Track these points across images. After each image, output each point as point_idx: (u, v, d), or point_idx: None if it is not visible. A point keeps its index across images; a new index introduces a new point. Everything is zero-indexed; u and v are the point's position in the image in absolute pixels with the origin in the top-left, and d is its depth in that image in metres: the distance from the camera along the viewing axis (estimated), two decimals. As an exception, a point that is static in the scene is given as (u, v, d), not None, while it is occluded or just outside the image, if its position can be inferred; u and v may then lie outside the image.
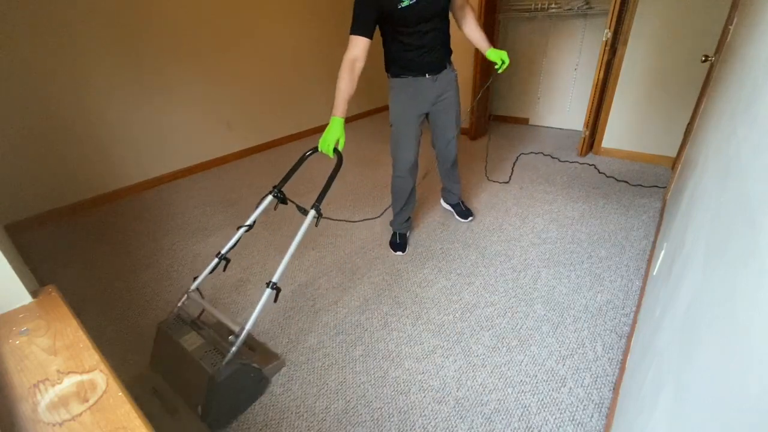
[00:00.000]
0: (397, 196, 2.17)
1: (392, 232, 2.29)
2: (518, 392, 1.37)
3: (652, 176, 2.96)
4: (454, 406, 1.33)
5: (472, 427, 1.26)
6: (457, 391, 1.38)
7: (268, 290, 1.35)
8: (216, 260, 1.48)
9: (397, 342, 1.61)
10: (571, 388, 1.38)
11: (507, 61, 1.94)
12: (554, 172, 3.13)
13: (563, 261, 2.05)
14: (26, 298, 0.78)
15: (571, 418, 1.28)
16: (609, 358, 1.48)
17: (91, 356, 0.66)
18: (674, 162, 2.94)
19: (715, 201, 0.81)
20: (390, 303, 1.82)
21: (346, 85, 1.68)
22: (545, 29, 3.89)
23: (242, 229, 1.51)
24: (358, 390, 1.41)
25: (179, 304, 1.46)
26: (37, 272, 2.14)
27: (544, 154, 3.50)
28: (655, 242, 2.09)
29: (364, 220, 2.58)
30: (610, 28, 2.85)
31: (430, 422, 1.29)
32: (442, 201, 2.63)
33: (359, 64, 1.66)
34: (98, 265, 2.21)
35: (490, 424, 1.27)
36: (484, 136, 4.22)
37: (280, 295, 1.90)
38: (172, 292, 1.96)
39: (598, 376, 1.41)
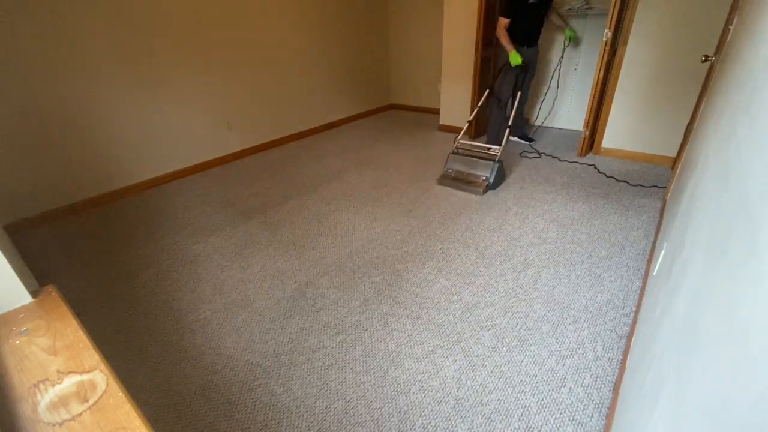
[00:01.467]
0: (496, 124, 3.59)
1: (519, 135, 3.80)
2: (518, 392, 1.37)
3: (652, 176, 2.96)
4: (454, 406, 1.33)
5: (472, 427, 1.26)
6: (457, 391, 1.38)
7: (507, 129, 2.94)
8: (466, 124, 3.20)
9: (397, 342, 1.61)
10: (571, 388, 1.38)
11: (574, 38, 3.51)
12: (554, 172, 3.13)
13: (563, 261, 2.05)
14: (26, 298, 0.78)
15: (571, 418, 1.28)
16: (609, 358, 1.48)
17: (91, 356, 0.66)
18: (674, 162, 2.94)
19: (715, 201, 0.81)
20: (390, 303, 1.82)
21: (505, 39, 3.11)
22: (545, 29, 3.88)
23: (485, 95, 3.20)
24: (358, 390, 1.41)
25: (454, 146, 3.11)
26: (37, 272, 2.14)
27: (546, 154, 3.50)
28: (655, 242, 2.09)
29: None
30: (610, 28, 2.85)
31: (430, 422, 1.29)
32: (516, 138, 3.86)
33: (506, 31, 3.11)
34: (98, 265, 2.21)
35: (490, 424, 1.27)
36: (484, 135, 4.22)
37: (281, 294, 1.91)
38: (172, 292, 1.96)
39: (598, 376, 1.41)
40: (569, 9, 3.59)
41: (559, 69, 3.85)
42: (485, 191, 2.78)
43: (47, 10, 2.42)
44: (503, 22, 3.03)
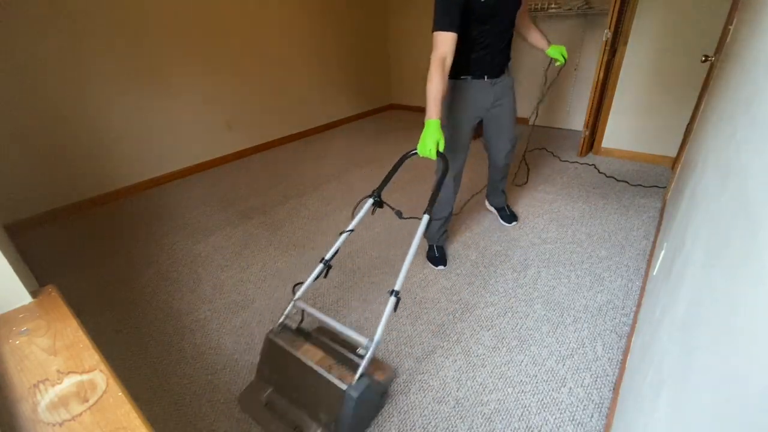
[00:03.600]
0: (438, 204, 2.02)
1: (429, 246, 2.13)
2: (518, 392, 1.37)
3: (652, 176, 2.96)
4: (454, 406, 1.33)
5: (472, 427, 1.26)
6: (457, 391, 1.38)
7: (392, 298, 1.25)
8: (320, 266, 1.46)
9: (397, 342, 1.61)
10: (571, 388, 1.38)
11: (566, 56, 1.95)
12: (554, 172, 3.13)
13: (563, 261, 2.05)
14: (26, 298, 0.78)
15: (571, 418, 1.28)
16: (609, 358, 1.48)
17: (91, 356, 0.66)
18: (674, 162, 2.94)
19: (715, 201, 0.81)
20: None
21: (438, 85, 1.57)
22: (545, 29, 3.88)
23: (344, 235, 1.49)
24: (358, 390, 1.41)
25: (285, 313, 1.40)
26: (37, 272, 2.14)
27: (547, 150, 3.50)
28: (655, 242, 2.09)
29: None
30: (610, 28, 2.84)
31: (430, 422, 1.29)
32: (486, 202, 2.58)
33: (448, 61, 1.55)
34: (98, 265, 2.21)
35: (490, 424, 1.27)
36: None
37: (281, 294, 1.91)
38: (172, 292, 1.96)
39: (598, 376, 1.41)
40: (569, 9, 3.59)
41: (546, 86, 3.22)
42: None
43: (47, 9, 2.42)
44: (442, 40, 1.52)
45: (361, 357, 1.17)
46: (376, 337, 1.20)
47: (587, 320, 1.66)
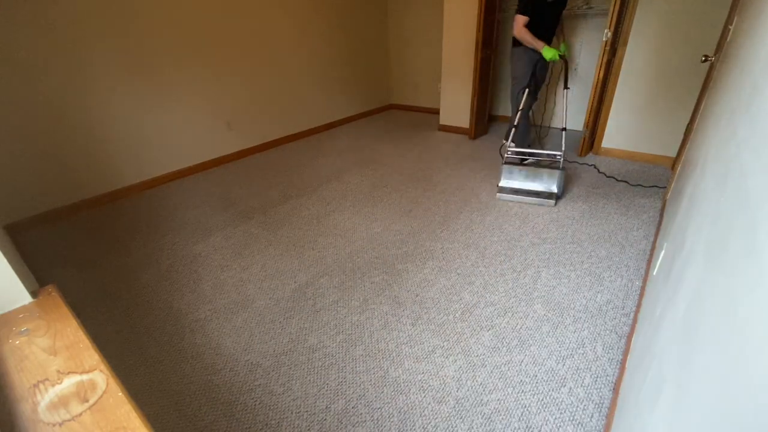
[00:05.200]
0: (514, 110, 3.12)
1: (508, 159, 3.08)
2: (518, 392, 1.37)
3: (652, 176, 2.96)
4: (454, 406, 1.33)
5: (472, 427, 1.26)
6: (457, 391, 1.38)
7: (564, 132, 2.72)
8: (512, 128, 2.97)
9: (397, 342, 1.61)
10: (571, 388, 1.38)
11: (563, 53, 2.84)
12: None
13: (563, 261, 2.05)
14: (26, 298, 0.78)
15: (571, 418, 1.28)
16: (609, 358, 1.48)
17: (91, 356, 0.66)
18: (674, 162, 2.94)
19: (715, 201, 0.81)
20: (390, 303, 1.82)
21: (530, 35, 2.75)
22: (545, 29, 3.88)
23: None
24: (358, 390, 1.41)
25: (506, 155, 2.91)
26: (37, 272, 2.14)
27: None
28: (655, 242, 2.09)
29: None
30: (610, 28, 2.85)
31: (430, 422, 1.29)
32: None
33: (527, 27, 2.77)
34: (98, 265, 2.21)
35: (490, 424, 1.27)
36: (484, 135, 4.23)
37: (281, 294, 1.91)
38: (172, 292, 1.96)
39: (598, 376, 1.41)
40: (569, 9, 3.58)
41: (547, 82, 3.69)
42: (556, 202, 2.61)
43: (47, 9, 2.42)
44: (521, 20, 2.72)
45: (559, 159, 2.68)
46: (563, 146, 2.68)
47: (587, 320, 1.66)
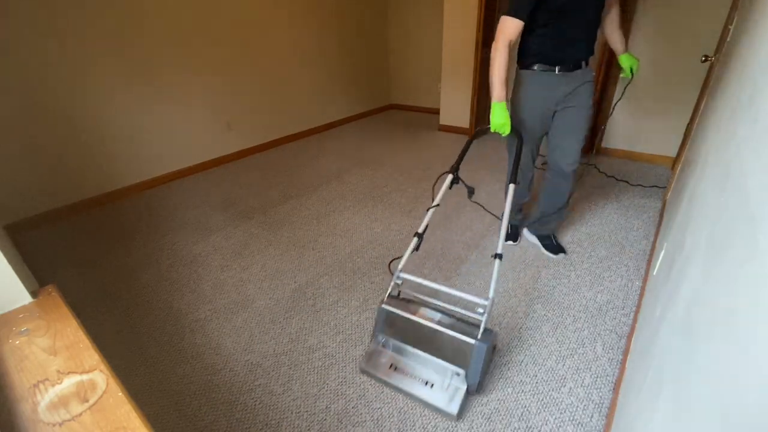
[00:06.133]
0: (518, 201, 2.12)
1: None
2: (518, 392, 1.37)
3: (652, 176, 2.96)
4: (454, 406, 1.33)
5: (472, 427, 1.26)
6: (457, 391, 1.38)
7: (497, 261, 1.40)
8: (415, 240, 1.51)
9: (397, 342, 1.60)
10: (571, 388, 1.38)
11: (635, 71, 1.82)
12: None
13: (563, 261, 2.05)
14: (26, 298, 0.78)
15: (571, 418, 1.28)
16: (609, 358, 1.48)
17: (91, 356, 0.66)
18: (674, 162, 2.94)
19: (715, 201, 0.81)
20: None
21: (504, 67, 1.57)
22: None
23: (431, 210, 1.58)
24: (358, 390, 1.41)
25: (391, 286, 1.48)
26: (37, 272, 2.14)
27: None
28: (655, 242, 2.09)
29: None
30: (610, 28, 2.84)
31: (430, 422, 1.29)
32: (525, 230, 2.25)
33: (511, 45, 1.56)
34: (98, 265, 2.21)
35: (490, 424, 1.27)
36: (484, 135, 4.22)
37: (281, 294, 1.91)
38: (172, 292, 1.96)
39: (598, 376, 1.41)
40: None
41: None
42: (462, 408, 1.29)
43: (47, 9, 2.42)
44: (511, 26, 1.51)
45: (480, 314, 1.31)
46: (491, 295, 1.32)
47: (587, 320, 1.66)
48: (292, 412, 1.34)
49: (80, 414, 0.56)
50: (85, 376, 0.62)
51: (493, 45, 1.55)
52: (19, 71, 2.40)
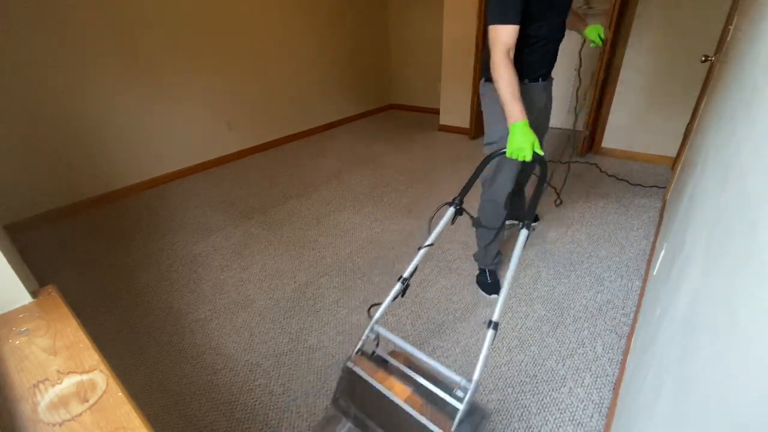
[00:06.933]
0: (490, 225, 1.77)
1: (480, 270, 1.90)
2: (518, 392, 1.37)
3: (652, 176, 2.96)
4: (454, 406, 1.33)
5: (472, 427, 1.26)
6: (457, 391, 1.38)
7: (490, 331, 1.08)
8: (398, 285, 1.25)
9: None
10: (571, 388, 1.38)
11: (603, 37, 1.71)
12: (554, 172, 3.13)
13: (563, 261, 2.05)
14: (26, 298, 0.78)
15: (571, 418, 1.28)
16: (609, 358, 1.48)
17: (91, 356, 0.66)
18: (674, 162, 2.94)
19: (715, 201, 0.81)
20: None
21: (514, 79, 1.33)
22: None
23: (423, 251, 1.29)
24: (358, 390, 1.41)
25: (363, 338, 1.22)
26: (37, 272, 2.14)
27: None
28: (655, 242, 2.09)
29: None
30: (610, 28, 2.84)
31: (430, 422, 1.28)
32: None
33: (511, 54, 1.35)
34: (98, 265, 2.21)
35: (490, 424, 1.27)
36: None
37: (281, 294, 1.91)
38: (172, 292, 1.96)
39: (598, 376, 1.41)
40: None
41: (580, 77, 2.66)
42: None
43: (48, 11, 2.42)
44: (504, 33, 1.32)
45: (459, 399, 1.02)
46: (475, 377, 1.01)
47: (587, 320, 1.66)
48: (292, 412, 1.34)
49: (80, 414, 0.56)
50: (85, 376, 0.62)
51: (491, 61, 1.34)
52: (18, 71, 2.40)
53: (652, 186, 2.79)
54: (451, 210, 1.31)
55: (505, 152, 1.35)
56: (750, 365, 0.40)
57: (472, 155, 3.65)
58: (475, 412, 1.11)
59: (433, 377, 1.12)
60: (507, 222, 1.97)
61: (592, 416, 1.28)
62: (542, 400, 1.34)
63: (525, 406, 1.32)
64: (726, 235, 0.63)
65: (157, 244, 2.39)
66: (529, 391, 1.38)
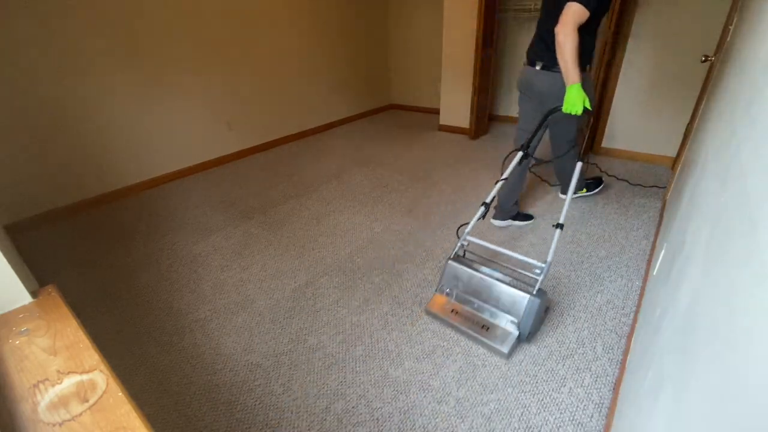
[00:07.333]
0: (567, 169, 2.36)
1: (511, 218, 2.39)
2: (518, 392, 1.37)
3: (652, 176, 2.96)
4: (454, 406, 1.33)
5: (472, 427, 1.26)
6: (457, 391, 1.38)
7: (558, 230, 1.53)
8: (482, 208, 1.69)
9: (397, 342, 1.61)
10: (571, 388, 1.38)
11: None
12: (554, 172, 3.13)
13: (563, 261, 2.05)
14: (26, 298, 0.78)
15: (571, 418, 1.28)
16: (609, 358, 1.48)
17: (91, 356, 0.65)
18: (674, 162, 2.94)
19: (715, 201, 0.81)
20: (390, 303, 1.82)
21: (576, 50, 1.63)
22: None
23: (499, 183, 1.74)
24: (358, 390, 1.41)
25: (457, 246, 1.71)
26: (37, 272, 2.14)
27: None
28: (655, 242, 2.09)
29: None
30: (610, 28, 2.84)
31: (430, 422, 1.29)
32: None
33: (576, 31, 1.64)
34: (98, 265, 2.21)
35: (490, 424, 1.27)
36: (484, 135, 4.23)
37: (281, 294, 1.91)
38: (172, 292, 1.96)
39: (598, 376, 1.41)
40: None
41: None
42: (512, 349, 1.51)
43: (47, 10, 2.42)
44: (580, 13, 1.57)
45: (538, 275, 1.48)
46: (549, 258, 1.49)
47: (587, 320, 1.66)
48: (292, 413, 1.34)
49: (80, 414, 0.56)
50: (85, 376, 0.62)
51: (562, 30, 1.60)
52: (18, 71, 2.40)
53: (652, 186, 2.79)
54: (520, 154, 1.82)
55: (560, 108, 1.71)
56: (750, 365, 0.40)
57: (472, 155, 3.65)
58: (546, 293, 1.52)
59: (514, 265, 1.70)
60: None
61: (592, 416, 1.28)
62: (542, 400, 1.34)
63: (525, 406, 1.32)
64: (726, 235, 0.63)
65: (157, 244, 2.39)
66: (529, 391, 1.38)
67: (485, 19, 3.55)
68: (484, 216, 1.70)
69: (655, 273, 1.51)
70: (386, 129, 4.67)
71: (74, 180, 2.79)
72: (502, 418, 1.29)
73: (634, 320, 1.61)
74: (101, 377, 0.62)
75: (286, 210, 2.75)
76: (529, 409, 1.31)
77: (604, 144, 3.41)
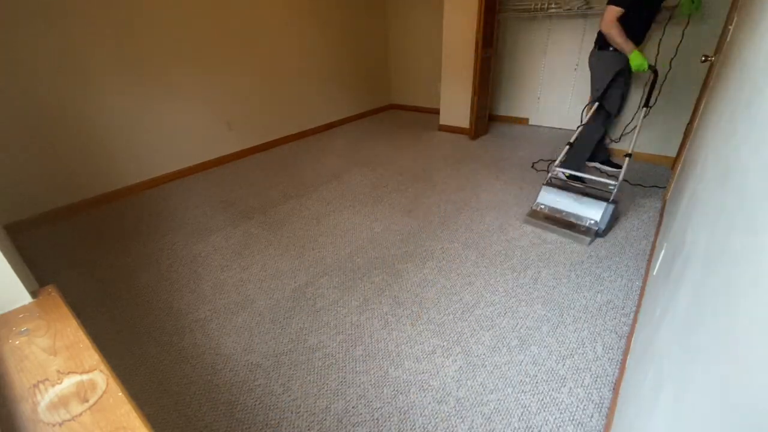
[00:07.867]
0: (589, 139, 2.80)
1: (569, 174, 2.73)
2: (518, 392, 1.37)
3: (652, 176, 2.96)
4: (454, 406, 1.33)
5: (472, 427, 1.26)
6: (457, 391, 1.38)
7: (627, 158, 2.23)
8: (567, 147, 2.45)
9: (397, 342, 1.61)
10: (571, 388, 1.38)
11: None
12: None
13: (563, 261, 2.05)
14: (26, 298, 0.78)
15: (571, 418, 1.28)
16: (609, 358, 1.48)
17: (91, 356, 0.65)
18: (674, 162, 2.94)
19: (715, 201, 0.81)
20: (390, 303, 1.82)
21: (623, 33, 2.30)
22: (545, 29, 3.89)
23: (580, 128, 2.52)
24: (358, 390, 1.41)
25: (549, 176, 2.48)
26: (37, 272, 2.14)
27: (544, 160, 3.50)
28: (655, 242, 2.09)
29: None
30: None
31: (430, 422, 1.29)
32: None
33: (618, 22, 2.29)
34: (98, 265, 2.21)
35: (490, 424, 1.27)
36: (484, 135, 4.23)
37: (281, 294, 1.91)
38: (172, 292, 1.96)
39: (598, 376, 1.41)
40: (568, 9, 3.59)
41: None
42: (591, 241, 2.15)
43: (47, 10, 2.42)
44: (614, 11, 2.26)
45: (611, 190, 2.23)
46: (620, 177, 2.22)
47: (587, 320, 1.66)
48: (292, 413, 1.34)
49: (80, 414, 0.56)
50: (85, 376, 0.62)
51: (603, 27, 2.34)
52: (18, 71, 2.40)
53: (652, 186, 2.79)
54: (596, 104, 2.54)
55: (620, 70, 2.43)
56: (750, 365, 0.40)
57: (472, 155, 3.65)
58: (618, 203, 2.27)
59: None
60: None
61: (592, 416, 1.28)
62: (542, 400, 1.34)
63: (525, 406, 1.32)
64: (726, 235, 0.63)
65: (157, 244, 2.40)
66: (529, 391, 1.38)
67: (485, 19, 3.55)
68: (567, 154, 2.45)
69: (655, 273, 1.51)
70: (386, 129, 4.67)
71: (74, 180, 2.79)
72: (502, 418, 1.29)
73: (634, 320, 1.61)
74: (101, 377, 0.62)
75: (286, 210, 2.75)
76: (529, 409, 1.31)
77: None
